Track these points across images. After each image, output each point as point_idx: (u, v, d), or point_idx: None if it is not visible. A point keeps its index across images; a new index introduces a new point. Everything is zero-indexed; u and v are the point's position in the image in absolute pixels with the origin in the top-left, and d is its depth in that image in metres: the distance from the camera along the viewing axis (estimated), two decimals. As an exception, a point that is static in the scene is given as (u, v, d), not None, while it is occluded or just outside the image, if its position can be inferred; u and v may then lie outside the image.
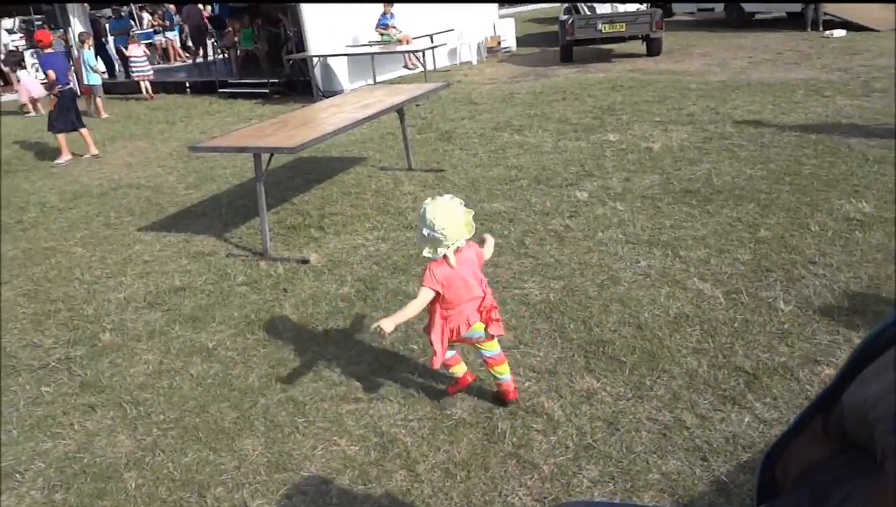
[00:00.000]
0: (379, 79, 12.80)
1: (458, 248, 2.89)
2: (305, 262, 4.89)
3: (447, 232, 2.82)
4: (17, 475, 3.08)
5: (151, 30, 23.36)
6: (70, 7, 15.07)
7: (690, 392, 3.07)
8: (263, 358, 3.76)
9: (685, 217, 5.00)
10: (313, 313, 4.19)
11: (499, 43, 16.30)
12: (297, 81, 12.67)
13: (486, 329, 3.02)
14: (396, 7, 13.18)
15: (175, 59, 21.32)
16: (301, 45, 12.39)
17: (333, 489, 2.75)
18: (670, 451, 2.73)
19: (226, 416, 3.30)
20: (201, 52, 18.91)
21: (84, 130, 9.16)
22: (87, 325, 4.38)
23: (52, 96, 9.00)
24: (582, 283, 4.19)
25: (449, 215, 2.83)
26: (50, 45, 9.16)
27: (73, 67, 12.66)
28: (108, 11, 23.84)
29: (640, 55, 13.23)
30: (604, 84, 10.46)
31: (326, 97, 11.58)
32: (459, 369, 3.23)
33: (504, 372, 3.13)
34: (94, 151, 9.22)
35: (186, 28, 22.01)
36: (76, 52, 14.22)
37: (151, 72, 14.68)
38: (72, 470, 3.06)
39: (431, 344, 3.03)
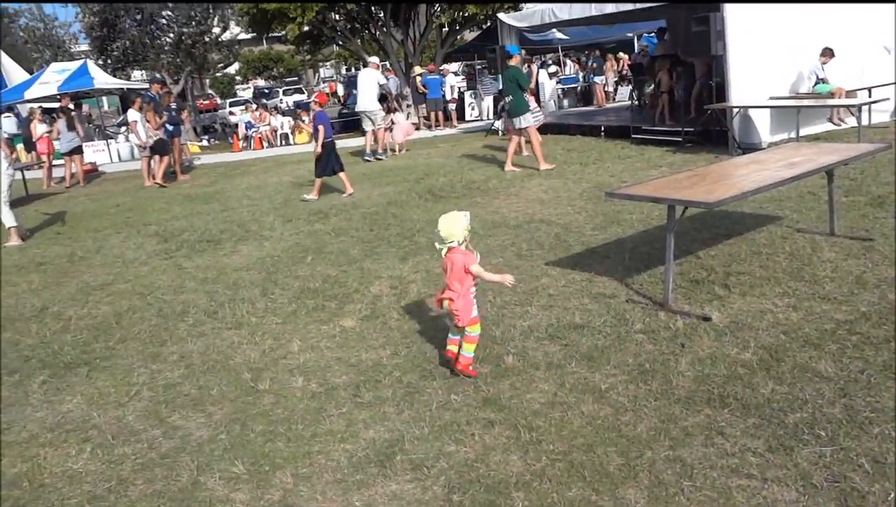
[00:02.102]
0: (802, 133, 11.95)
1: (449, 247, 4.24)
2: (707, 319, 4.75)
3: (442, 234, 4.25)
4: (425, 468, 3.46)
5: (574, 75, 24.83)
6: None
7: None
8: (654, 410, 3.73)
9: None
10: (710, 374, 4.05)
11: (955, 98, 14.13)
12: (713, 131, 12.39)
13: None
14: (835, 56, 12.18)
15: (601, 103, 22.25)
16: (722, 94, 12.11)
17: (716, 566, 2.62)
18: None
19: (611, 461, 3.34)
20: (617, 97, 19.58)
21: (342, 174, 11.11)
22: (494, 345, 4.78)
23: (318, 147, 10.85)
24: None
25: (447, 224, 4.24)
26: (322, 105, 11.49)
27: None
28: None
29: None
30: None
31: (743, 149, 11.17)
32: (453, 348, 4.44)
33: (468, 351, 4.33)
34: (349, 190, 11.10)
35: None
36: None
37: (541, 118, 15.27)
38: (469, 476, 3.35)
39: None
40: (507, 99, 11.97)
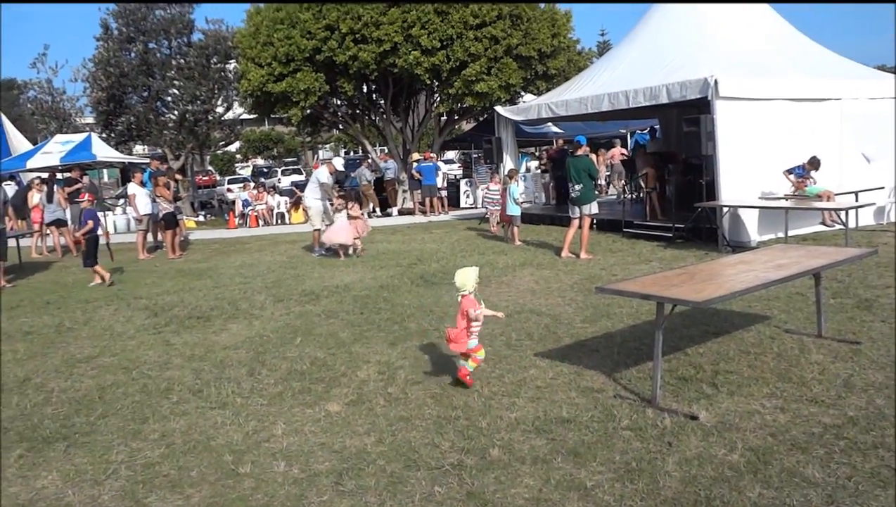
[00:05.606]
0: (791, 233, 12.17)
1: (463, 294, 5.53)
2: (695, 418, 4.73)
3: (457, 284, 5.56)
4: (404, 564, 3.38)
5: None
6: (506, 147, 17.13)
7: None
8: (639, 511, 3.68)
9: None
10: (697, 475, 4.01)
11: (940, 202, 14.43)
12: (703, 229, 12.59)
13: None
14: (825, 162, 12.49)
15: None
16: (712, 192, 12.35)
17: None
18: None
19: (595, 562, 3.27)
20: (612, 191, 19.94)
21: (97, 267, 11.93)
22: (480, 437, 4.73)
23: (76, 238, 12.20)
24: None
25: (462, 276, 5.55)
26: (92, 203, 12.56)
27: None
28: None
29: None
30: None
31: (732, 247, 11.33)
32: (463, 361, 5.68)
33: (471, 366, 5.61)
34: (97, 280, 11.94)
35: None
36: (502, 185, 15.91)
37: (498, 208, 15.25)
38: (449, 574, 3.27)
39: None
40: (578, 187, 11.96)
